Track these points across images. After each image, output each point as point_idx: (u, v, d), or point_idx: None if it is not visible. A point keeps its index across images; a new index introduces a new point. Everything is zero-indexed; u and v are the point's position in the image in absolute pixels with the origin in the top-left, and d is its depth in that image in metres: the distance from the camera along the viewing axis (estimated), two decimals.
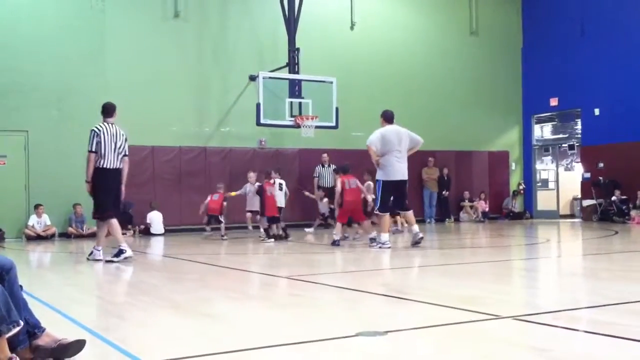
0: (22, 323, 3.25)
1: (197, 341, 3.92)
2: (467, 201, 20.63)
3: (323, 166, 17.35)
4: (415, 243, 10.55)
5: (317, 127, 16.44)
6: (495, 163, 21.60)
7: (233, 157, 17.64)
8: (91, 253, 9.34)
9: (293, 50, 16.99)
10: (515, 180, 22.01)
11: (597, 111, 19.88)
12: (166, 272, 8.31)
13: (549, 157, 22.48)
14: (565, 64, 20.65)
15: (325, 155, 17.49)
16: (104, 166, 9.07)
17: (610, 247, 11.05)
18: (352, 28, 19.50)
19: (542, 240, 13.25)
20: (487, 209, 20.42)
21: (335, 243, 11.28)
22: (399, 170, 10.60)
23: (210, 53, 17.70)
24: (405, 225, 13.69)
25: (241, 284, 6.82)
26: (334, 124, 16.79)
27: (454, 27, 21.21)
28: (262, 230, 13.30)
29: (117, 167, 9.21)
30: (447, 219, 19.95)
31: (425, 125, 20.31)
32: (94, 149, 9.03)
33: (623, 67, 19.09)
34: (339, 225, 11.69)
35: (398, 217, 13.97)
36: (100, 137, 9.07)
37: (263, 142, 18.06)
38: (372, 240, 11.07)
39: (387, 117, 11.10)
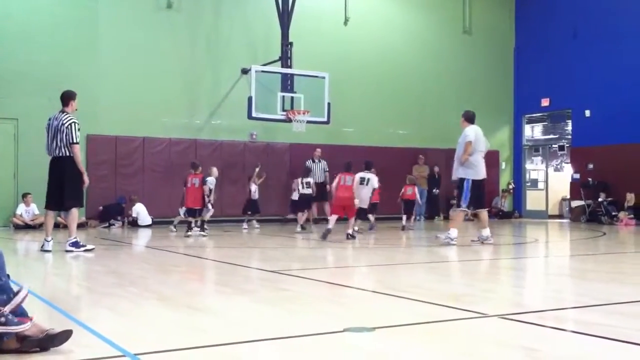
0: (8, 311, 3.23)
1: (185, 334, 3.92)
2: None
3: (314, 161, 17.27)
4: (481, 242, 10.85)
5: (308, 122, 16.44)
6: (485, 162, 21.58)
7: (224, 150, 17.61)
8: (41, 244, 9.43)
9: (286, 44, 16.96)
10: (504, 179, 22.09)
11: (587, 112, 19.96)
12: (154, 264, 8.29)
13: (539, 157, 22.56)
14: (557, 65, 20.73)
15: (318, 150, 17.40)
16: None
17: (598, 248, 11.11)
18: (345, 24, 19.49)
19: (530, 240, 13.31)
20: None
21: (350, 236, 11.66)
22: (484, 169, 11.00)
23: (203, 45, 17.66)
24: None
25: (229, 278, 6.81)
26: (325, 119, 16.79)
27: (447, 25, 21.24)
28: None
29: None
30: (436, 217, 20.02)
31: (416, 122, 20.39)
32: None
33: (614, 69, 19.18)
34: (351, 220, 11.95)
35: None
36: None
37: (254, 136, 18.04)
38: (350, 236, 11.58)
39: (470, 118, 11.23)
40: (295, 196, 15.49)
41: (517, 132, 22.50)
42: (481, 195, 11.06)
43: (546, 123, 22.38)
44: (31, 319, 3.45)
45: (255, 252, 10.28)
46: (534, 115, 22.20)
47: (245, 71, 17.20)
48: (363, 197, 12.79)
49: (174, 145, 17.15)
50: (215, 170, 14.34)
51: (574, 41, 20.27)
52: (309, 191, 15.04)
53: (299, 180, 15.10)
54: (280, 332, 3.91)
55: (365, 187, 12.90)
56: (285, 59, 16.94)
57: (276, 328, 4.06)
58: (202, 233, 12.91)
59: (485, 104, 21.70)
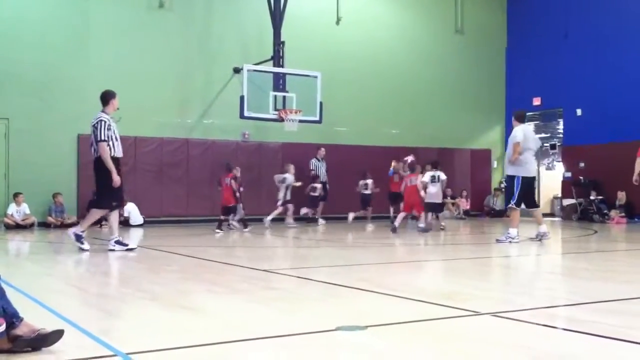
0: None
1: (177, 333, 3.91)
2: (449, 198, 20.69)
3: (318, 160, 17.44)
4: (539, 239, 11.11)
5: (300, 121, 16.43)
6: (477, 161, 21.70)
7: (215, 149, 17.58)
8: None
9: (278, 44, 16.95)
10: (496, 178, 22.12)
11: (579, 111, 20.04)
12: (147, 263, 8.27)
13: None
14: (548, 65, 20.79)
15: (322, 149, 17.57)
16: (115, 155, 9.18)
17: (589, 246, 11.14)
18: (337, 23, 19.49)
19: (522, 238, 13.33)
20: (468, 207, 20.53)
21: (423, 230, 13.35)
22: (534, 167, 11.31)
23: (195, 44, 17.63)
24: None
25: (222, 277, 6.80)
26: (317, 118, 16.78)
27: (440, 25, 21.27)
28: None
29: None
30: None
31: (408, 122, 20.41)
32: (105, 138, 8.96)
33: (605, 68, 19.25)
34: (422, 215, 13.69)
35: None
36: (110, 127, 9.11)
37: (247, 135, 18.01)
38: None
39: (520, 117, 11.50)
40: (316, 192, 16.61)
41: (509, 131, 22.50)
42: (532, 193, 11.41)
43: (538, 122, 22.43)
44: (21, 320, 3.43)
45: (248, 251, 10.27)
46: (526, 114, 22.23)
47: (237, 70, 17.17)
48: (434, 193, 13.98)
49: (166, 145, 17.11)
50: (292, 168, 15.82)
51: (565, 41, 20.33)
52: (317, 193, 16.43)
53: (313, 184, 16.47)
54: (272, 331, 3.91)
55: (436, 183, 14.02)
56: (277, 58, 16.93)
57: (268, 327, 4.06)
58: (245, 230, 13.75)
59: (477, 103, 21.77)
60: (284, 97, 16.52)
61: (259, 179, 17.32)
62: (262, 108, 16.24)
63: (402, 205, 14.05)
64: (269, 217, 15.40)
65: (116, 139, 9.08)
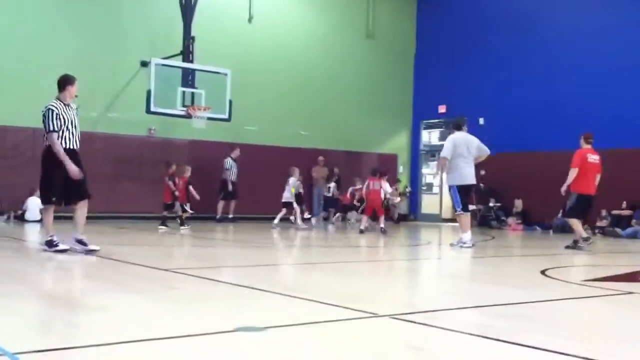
0: None
1: (69, 332, 3.75)
2: (355, 201, 20.91)
3: (233, 160, 17.62)
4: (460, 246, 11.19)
5: (209, 118, 16.22)
6: (384, 165, 21.99)
7: (120, 144, 17.11)
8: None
9: (188, 39, 16.70)
10: (402, 183, 22.56)
11: (481, 120, 20.68)
12: (41, 260, 7.93)
13: (435, 162, 23.16)
14: (454, 73, 21.38)
15: (237, 149, 17.71)
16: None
17: (486, 251, 11.49)
18: (249, 21, 19.39)
19: (424, 242, 13.64)
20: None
21: (361, 232, 14.14)
22: (468, 172, 11.35)
23: (101, 35, 17.10)
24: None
25: (122, 276, 6.60)
26: (226, 116, 16.62)
27: (351, 28, 21.51)
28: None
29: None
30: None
31: (318, 124, 20.53)
32: (54, 128, 8.08)
33: (508, 79, 19.99)
34: (365, 217, 14.75)
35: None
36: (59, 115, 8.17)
37: (153, 131, 17.63)
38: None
39: (456, 125, 11.95)
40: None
41: (415, 137, 23.05)
42: (465, 199, 11.45)
43: (443, 129, 23.02)
44: None
45: (154, 250, 10.02)
46: (432, 121, 22.79)
47: (144, 64, 16.78)
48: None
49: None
50: (297, 172, 15.98)
51: (471, 50, 20.98)
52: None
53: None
54: (170, 331, 3.81)
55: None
56: (187, 53, 16.66)
57: (166, 327, 3.95)
58: (183, 228, 13.76)
59: (386, 108, 22.14)
60: (193, 93, 16.27)
61: (163, 176, 16.95)
62: (169, 103, 15.93)
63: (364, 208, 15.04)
64: (276, 219, 15.46)
65: (69, 130, 8.17)
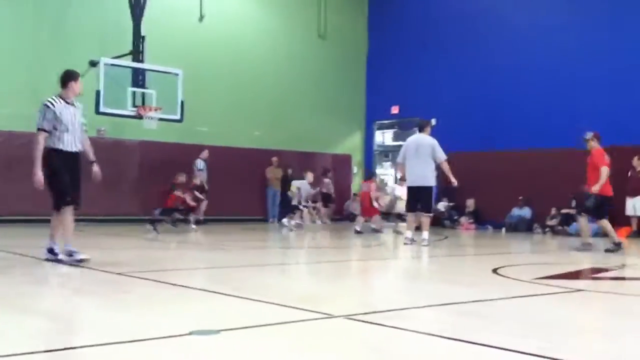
0: None
1: (15, 338, 3.62)
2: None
3: (204, 161, 17.56)
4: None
5: (160, 119, 15.99)
6: (338, 166, 22.08)
7: None
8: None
9: (138, 38, 16.44)
10: (357, 183, 22.62)
11: (434, 121, 20.83)
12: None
13: (389, 163, 23.32)
14: (407, 73, 21.51)
15: (206, 151, 17.64)
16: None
17: (440, 250, 11.58)
18: (201, 20, 19.20)
19: (379, 243, 13.69)
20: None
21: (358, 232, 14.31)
22: (411, 174, 11.60)
23: (48, 33, 16.71)
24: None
25: (71, 280, 6.44)
26: (178, 117, 16.40)
27: (303, 28, 21.48)
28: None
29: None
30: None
31: (271, 124, 20.44)
32: (43, 127, 7.43)
33: (461, 79, 20.21)
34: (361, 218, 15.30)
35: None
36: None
37: (102, 132, 17.29)
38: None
39: (418, 126, 12.28)
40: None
41: (369, 138, 23.15)
42: (412, 199, 11.64)
43: (396, 130, 23.16)
44: None
45: (108, 253, 9.81)
46: (385, 121, 22.91)
47: (93, 63, 16.42)
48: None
49: (15, 139, 16.05)
50: (310, 176, 16.53)
51: (423, 51, 21.15)
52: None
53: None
54: (122, 336, 3.72)
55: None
56: (137, 52, 16.41)
57: (119, 331, 3.86)
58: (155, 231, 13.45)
59: (339, 109, 22.18)
60: (144, 93, 16.02)
61: (117, 177, 16.66)
62: (119, 104, 15.64)
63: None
64: (293, 221, 15.89)
65: (69, 130, 7.44)
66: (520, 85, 18.91)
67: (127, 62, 16.18)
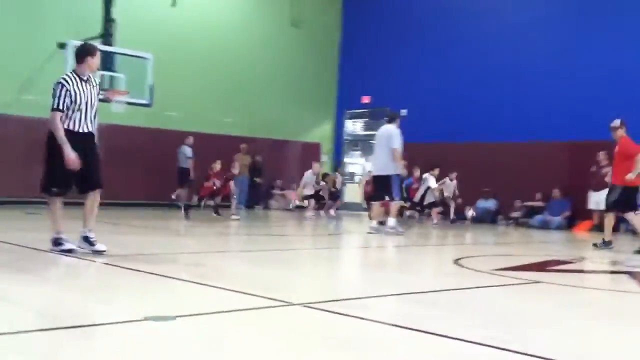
0: None
1: None
2: (278, 189, 20.93)
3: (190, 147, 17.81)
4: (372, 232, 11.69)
5: (129, 103, 15.83)
6: (307, 154, 22.08)
7: (35, 127, 16.47)
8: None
9: (108, 21, 16.25)
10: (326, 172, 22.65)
11: (404, 112, 20.95)
12: None
13: (358, 152, 23.41)
14: (378, 63, 21.57)
15: (190, 137, 17.80)
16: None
17: (403, 240, 11.66)
18: (173, 5, 19.02)
19: (345, 231, 13.77)
20: (297, 198, 20.83)
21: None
22: (376, 165, 12.11)
23: (17, 14, 16.44)
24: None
25: (30, 264, 6.38)
26: (148, 101, 16.27)
27: (276, 16, 21.41)
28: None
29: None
30: (256, 206, 20.14)
31: (241, 111, 20.38)
32: (59, 107, 6.79)
33: (431, 71, 20.33)
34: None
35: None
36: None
37: None
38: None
39: (388, 118, 12.40)
40: None
41: (339, 127, 23.20)
42: (376, 188, 12.07)
43: (367, 119, 23.23)
44: None
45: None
46: (356, 111, 22.97)
47: (62, 46, 16.20)
48: None
49: None
50: (316, 166, 17.44)
51: (397, 41, 21.21)
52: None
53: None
54: (75, 321, 3.72)
55: None
56: (107, 36, 16.22)
57: (75, 316, 3.86)
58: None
59: (311, 97, 22.19)
60: (112, 77, 15.85)
61: None
62: None
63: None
64: (309, 213, 16.73)
65: (81, 110, 6.81)
66: (489, 78, 19.10)
67: (97, 45, 15.96)
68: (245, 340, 3.51)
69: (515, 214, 17.43)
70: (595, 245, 10.75)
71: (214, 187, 14.77)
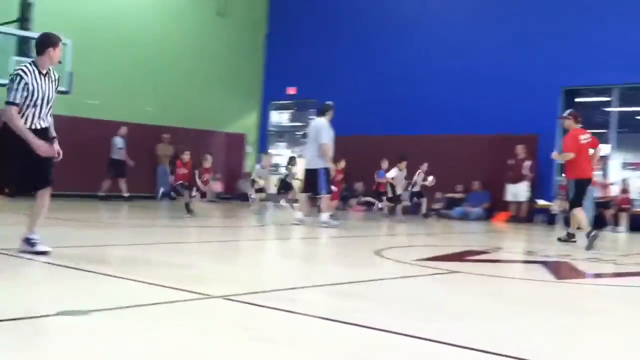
0: None
1: None
2: (200, 180, 20.65)
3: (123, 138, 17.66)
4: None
5: None
6: (232, 145, 21.95)
7: None
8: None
9: (26, 6, 15.69)
10: (250, 163, 22.57)
11: (330, 103, 21.03)
12: None
13: (284, 143, 23.39)
14: (305, 55, 21.54)
15: (124, 127, 17.68)
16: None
17: (325, 232, 11.72)
18: None
19: (268, 223, 13.75)
20: (221, 189, 20.68)
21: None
22: (307, 159, 12.17)
23: None
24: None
25: None
26: (66, 88, 15.76)
27: (202, 5, 21.13)
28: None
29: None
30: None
31: (165, 100, 20.02)
32: (14, 100, 6.06)
33: (358, 63, 20.47)
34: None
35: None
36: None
37: None
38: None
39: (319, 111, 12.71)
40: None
41: (265, 118, 23.11)
42: (305, 182, 12.31)
43: (293, 111, 23.22)
44: None
45: None
46: (282, 102, 22.93)
47: None
48: None
49: None
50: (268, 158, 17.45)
51: (324, 33, 21.24)
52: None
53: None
54: None
55: None
56: (24, 20, 15.66)
57: None
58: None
59: (236, 87, 22.01)
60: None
61: None
62: (3, 73, 14.87)
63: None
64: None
65: (37, 105, 6.16)
66: (413, 72, 19.38)
67: (13, 29, 15.40)
68: (160, 334, 3.45)
69: (436, 206, 17.79)
70: (559, 239, 10.61)
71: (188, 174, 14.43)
